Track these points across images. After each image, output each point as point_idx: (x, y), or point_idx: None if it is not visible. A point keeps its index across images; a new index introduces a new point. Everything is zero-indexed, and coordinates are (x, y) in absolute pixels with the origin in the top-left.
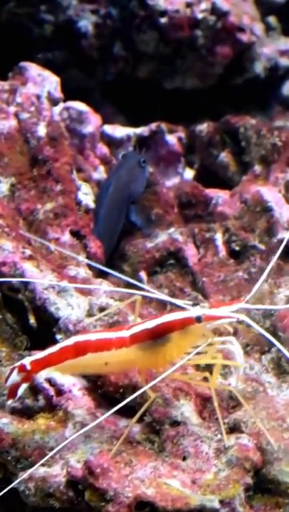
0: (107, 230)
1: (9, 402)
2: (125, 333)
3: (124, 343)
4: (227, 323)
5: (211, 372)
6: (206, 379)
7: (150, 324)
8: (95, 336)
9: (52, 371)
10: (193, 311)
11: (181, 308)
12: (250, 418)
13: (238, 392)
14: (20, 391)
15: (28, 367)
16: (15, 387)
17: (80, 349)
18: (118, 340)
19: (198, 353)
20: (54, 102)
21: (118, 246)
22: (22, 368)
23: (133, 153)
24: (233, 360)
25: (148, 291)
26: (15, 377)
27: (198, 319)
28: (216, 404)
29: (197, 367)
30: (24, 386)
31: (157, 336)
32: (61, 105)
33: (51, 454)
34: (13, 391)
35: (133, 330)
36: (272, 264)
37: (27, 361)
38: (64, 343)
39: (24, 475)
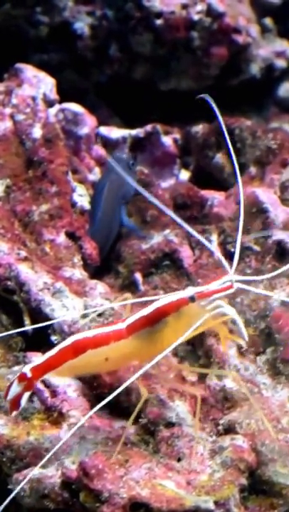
0: (102, 231)
1: (13, 414)
2: (122, 325)
3: (122, 335)
4: (222, 297)
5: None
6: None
7: (146, 311)
8: (92, 333)
9: (53, 375)
10: (186, 292)
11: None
12: (245, 419)
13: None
14: (24, 401)
15: (29, 374)
16: (17, 397)
17: (79, 347)
18: (116, 332)
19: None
20: (49, 104)
21: (114, 247)
22: (22, 377)
23: (121, 156)
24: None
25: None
26: (15, 388)
27: (192, 299)
28: (199, 402)
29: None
30: (27, 395)
31: (154, 322)
32: (57, 107)
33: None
34: (15, 402)
35: (129, 320)
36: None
37: (27, 369)
38: (62, 344)
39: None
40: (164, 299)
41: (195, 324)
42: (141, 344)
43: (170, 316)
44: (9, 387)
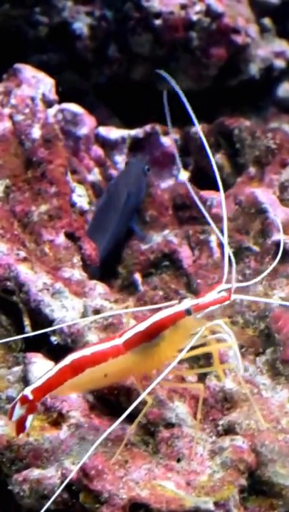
0: (113, 237)
1: (20, 436)
2: (118, 341)
3: (120, 351)
4: (218, 308)
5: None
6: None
7: (142, 326)
8: (89, 351)
9: (54, 395)
10: (182, 305)
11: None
12: (244, 420)
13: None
14: (29, 423)
15: (30, 396)
16: (22, 420)
17: (77, 366)
18: (113, 349)
19: (191, 348)
20: (48, 104)
21: (120, 251)
22: (24, 399)
23: (137, 161)
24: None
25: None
26: (19, 411)
27: (188, 312)
28: (201, 402)
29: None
30: (31, 417)
31: (151, 337)
32: (56, 107)
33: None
34: (20, 425)
35: (126, 336)
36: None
37: (28, 391)
38: (61, 363)
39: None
40: (160, 313)
41: (190, 336)
42: (139, 359)
43: (167, 330)
44: (13, 407)
